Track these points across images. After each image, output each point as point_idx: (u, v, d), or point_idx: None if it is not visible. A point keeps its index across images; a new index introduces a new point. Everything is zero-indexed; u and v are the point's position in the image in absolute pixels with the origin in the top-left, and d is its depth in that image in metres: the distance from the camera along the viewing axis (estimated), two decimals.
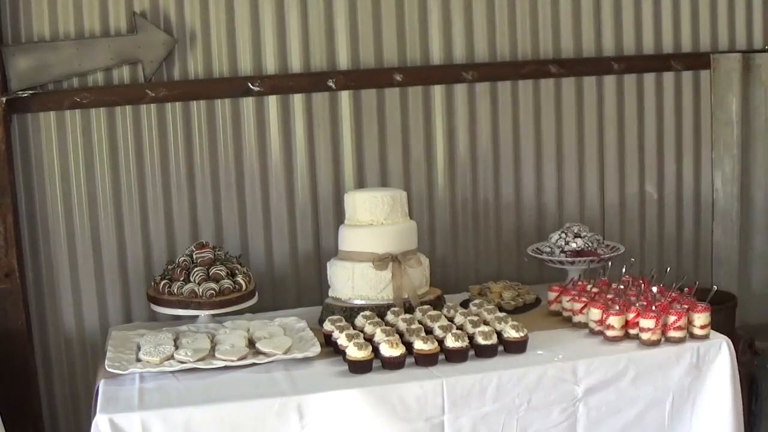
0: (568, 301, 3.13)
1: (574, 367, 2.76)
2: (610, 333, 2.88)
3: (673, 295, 3.00)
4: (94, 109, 3.42)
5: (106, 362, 2.81)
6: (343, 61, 3.63)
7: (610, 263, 3.47)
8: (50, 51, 3.34)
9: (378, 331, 2.85)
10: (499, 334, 2.85)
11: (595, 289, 3.13)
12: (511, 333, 2.84)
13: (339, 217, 3.50)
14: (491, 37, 3.75)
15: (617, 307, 2.89)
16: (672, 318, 2.85)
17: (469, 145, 3.77)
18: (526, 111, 3.82)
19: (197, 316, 3.20)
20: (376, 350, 2.76)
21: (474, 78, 3.73)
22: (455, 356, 2.76)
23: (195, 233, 3.55)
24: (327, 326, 2.99)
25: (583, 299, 3.05)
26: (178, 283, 3.18)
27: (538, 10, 3.78)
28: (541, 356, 2.81)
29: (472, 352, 2.80)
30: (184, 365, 2.76)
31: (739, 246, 4.04)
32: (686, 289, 3.01)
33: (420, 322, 2.94)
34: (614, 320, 2.87)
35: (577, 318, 3.07)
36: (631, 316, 2.87)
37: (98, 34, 3.40)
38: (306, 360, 2.83)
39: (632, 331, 2.88)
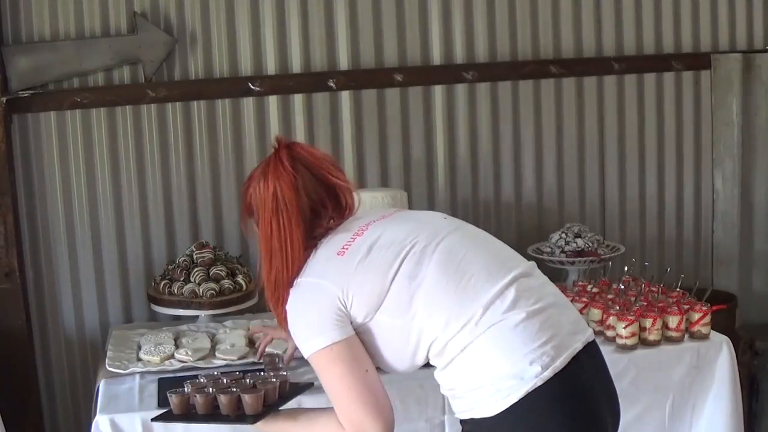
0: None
1: None
2: (620, 341, 2.81)
3: (674, 295, 3.00)
4: (95, 109, 3.41)
5: (107, 361, 2.80)
6: (344, 61, 3.62)
7: (610, 263, 3.48)
8: (50, 51, 3.34)
9: None
10: None
11: (595, 290, 3.12)
12: None
13: None
14: (491, 37, 3.75)
15: (617, 308, 2.88)
16: (672, 318, 2.85)
17: (470, 145, 3.77)
18: (526, 111, 3.82)
19: (197, 316, 3.20)
20: None
21: (474, 78, 3.72)
22: None
23: (195, 233, 3.55)
24: None
25: (584, 299, 3.04)
26: (179, 283, 3.18)
27: (538, 10, 3.78)
28: None
29: None
30: (185, 365, 2.76)
31: (740, 246, 4.04)
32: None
33: None
34: (624, 328, 2.81)
35: None
36: (648, 322, 2.81)
37: (98, 34, 3.40)
38: (306, 359, 2.82)
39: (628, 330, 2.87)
